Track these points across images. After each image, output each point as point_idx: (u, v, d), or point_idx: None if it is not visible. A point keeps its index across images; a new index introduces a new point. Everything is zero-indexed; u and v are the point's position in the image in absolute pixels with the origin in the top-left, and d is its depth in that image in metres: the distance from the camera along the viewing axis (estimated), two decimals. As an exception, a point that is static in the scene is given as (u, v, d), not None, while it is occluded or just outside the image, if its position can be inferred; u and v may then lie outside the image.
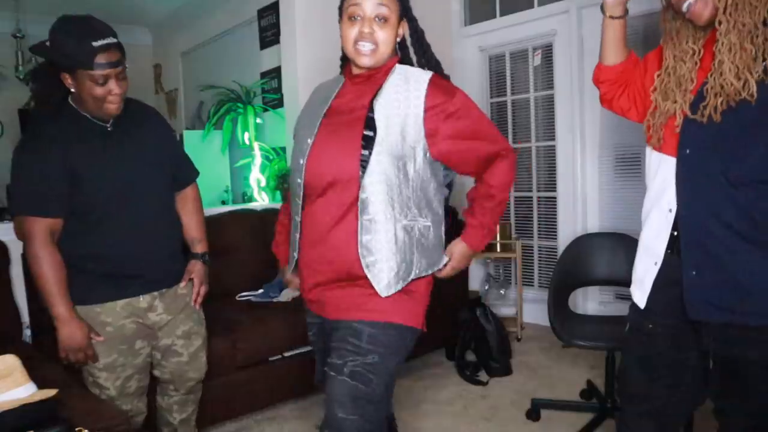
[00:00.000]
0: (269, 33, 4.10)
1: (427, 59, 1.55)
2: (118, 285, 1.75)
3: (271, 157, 4.16)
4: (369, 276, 1.41)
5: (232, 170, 4.79)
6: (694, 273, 1.30)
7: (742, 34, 1.20)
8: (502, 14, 4.03)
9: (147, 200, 1.78)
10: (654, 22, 3.15)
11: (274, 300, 2.94)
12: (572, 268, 2.69)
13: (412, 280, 1.47)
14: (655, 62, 1.44)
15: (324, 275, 1.48)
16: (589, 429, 2.42)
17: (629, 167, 3.55)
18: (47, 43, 1.59)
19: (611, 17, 1.44)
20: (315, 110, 1.54)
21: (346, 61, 1.55)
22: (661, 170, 1.36)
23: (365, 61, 1.43)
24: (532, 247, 4.07)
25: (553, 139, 3.87)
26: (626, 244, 2.57)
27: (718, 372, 1.34)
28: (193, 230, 1.98)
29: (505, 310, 3.97)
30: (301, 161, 1.48)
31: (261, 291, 3.03)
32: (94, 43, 1.54)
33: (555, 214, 3.92)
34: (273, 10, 3.94)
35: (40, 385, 1.53)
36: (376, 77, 1.48)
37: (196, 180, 2.03)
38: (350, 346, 1.43)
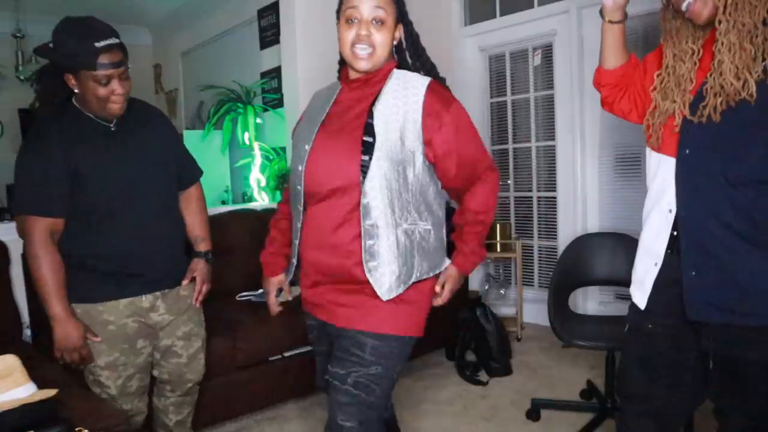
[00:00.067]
0: (269, 33, 4.10)
1: (422, 63, 1.55)
2: (121, 284, 1.76)
3: (271, 157, 4.16)
4: (371, 280, 1.42)
5: (232, 170, 4.79)
6: (693, 273, 1.30)
7: (742, 34, 1.19)
8: (502, 14, 4.03)
9: (150, 200, 1.79)
10: (654, 22, 3.15)
11: (274, 300, 2.94)
12: (572, 268, 2.69)
13: (413, 283, 1.48)
14: (654, 63, 1.44)
15: (325, 277, 1.48)
16: (589, 429, 2.42)
17: (629, 167, 3.55)
18: (50, 45, 1.60)
19: (610, 22, 1.44)
20: (313, 117, 1.54)
21: (343, 65, 1.55)
22: (661, 171, 1.36)
23: (362, 65, 1.43)
24: (532, 247, 4.07)
25: (553, 139, 3.87)
26: (626, 244, 2.57)
27: (717, 372, 1.34)
28: (196, 229, 1.99)
29: (505, 310, 3.97)
30: (300, 168, 1.48)
31: (261, 291, 3.02)
32: (97, 44, 1.55)
33: (555, 214, 3.92)
34: (273, 10, 3.94)
35: (40, 385, 1.54)
36: (373, 81, 1.48)
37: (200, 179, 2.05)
38: (354, 357, 1.44)
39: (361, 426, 1.44)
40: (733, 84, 1.20)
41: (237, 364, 2.54)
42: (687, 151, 1.30)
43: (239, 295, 3.01)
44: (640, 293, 1.44)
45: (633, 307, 1.47)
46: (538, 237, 4.05)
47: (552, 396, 2.78)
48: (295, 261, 1.58)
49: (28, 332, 2.52)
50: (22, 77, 5.85)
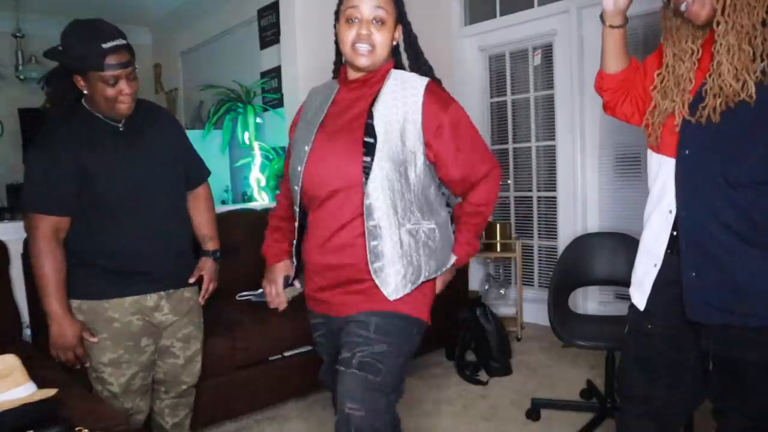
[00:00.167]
0: (269, 33, 4.09)
1: (419, 65, 1.55)
2: (127, 282, 1.78)
3: (271, 157, 4.16)
4: (377, 281, 1.43)
5: (232, 170, 4.79)
6: (693, 274, 1.30)
7: (741, 35, 1.19)
8: (502, 14, 4.03)
9: (158, 199, 1.82)
10: (653, 22, 3.16)
11: (274, 300, 2.94)
12: (572, 268, 2.69)
13: (422, 282, 1.48)
14: (654, 64, 1.44)
15: (331, 280, 1.49)
16: (589, 429, 2.42)
17: (629, 167, 3.55)
18: (59, 47, 1.63)
19: (611, 26, 1.44)
20: (311, 118, 1.54)
21: (339, 65, 1.56)
22: (662, 173, 1.36)
23: (363, 61, 1.43)
24: (532, 246, 4.07)
25: (553, 139, 3.87)
26: (626, 244, 2.57)
27: (717, 373, 1.34)
28: (204, 228, 2.02)
29: (505, 310, 3.97)
30: (299, 168, 1.48)
31: (261, 291, 3.02)
32: (104, 45, 1.58)
33: (555, 214, 3.92)
34: (273, 10, 3.94)
35: (40, 385, 1.54)
36: (371, 82, 1.48)
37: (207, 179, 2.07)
38: (358, 338, 1.43)
39: (370, 414, 1.39)
40: (732, 85, 1.20)
41: (237, 363, 2.54)
42: (687, 152, 1.30)
43: (239, 295, 2.99)
44: (640, 294, 1.44)
45: (632, 307, 1.47)
46: (538, 237, 4.05)
47: (552, 396, 2.79)
48: (295, 261, 1.59)
49: (28, 332, 2.52)
50: (22, 77, 5.85)
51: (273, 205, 1.84)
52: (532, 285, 4.08)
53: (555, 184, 3.89)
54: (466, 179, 1.51)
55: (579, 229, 3.68)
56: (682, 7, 1.26)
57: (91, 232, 1.74)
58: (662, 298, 1.38)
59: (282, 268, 1.66)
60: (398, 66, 1.54)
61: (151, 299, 1.83)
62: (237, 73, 4.71)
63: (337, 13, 1.48)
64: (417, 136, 1.43)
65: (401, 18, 1.49)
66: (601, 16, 1.45)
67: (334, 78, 1.59)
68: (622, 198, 3.60)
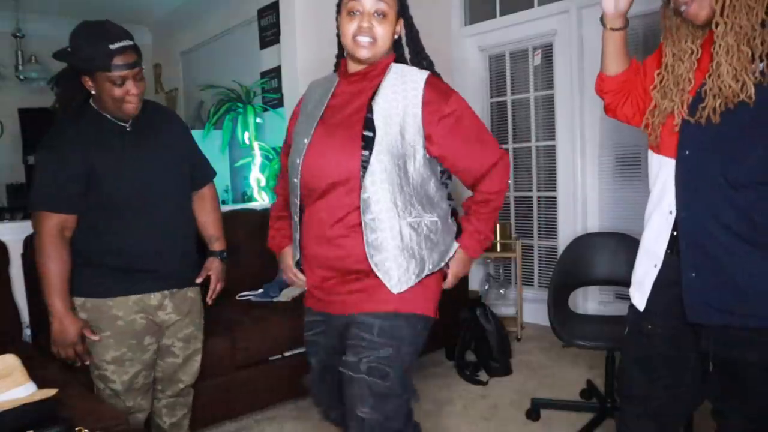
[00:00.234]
0: (269, 33, 4.09)
1: (419, 59, 1.55)
2: (131, 281, 1.79)
3: (271, 157, 4.15)
4: (379, 275, 1.43)
5: (232, 170, 4.79)
6: (693, 275, 1.29)
7: (740, 36, 1.19)
8: (502, 14, 4.03)
9: (164, 199, 1.84)
10: (653, 22, 3.16)
11: (274, 300, 2.94)
12: (572, 268, 2.69)
13: (426, 275, 1.48)
14: (654, 65, 1.44)
15: (331, 271, 1.48)
16: (589, 429, 2.42)
17: (629, 167, 3.55)
18: (68, 49, 1.66)
19: (612, 29, 1.44)
20: (311, 110, 1.54)
21: (340, 58, 1.56)
22: (662, 173, 1.36)
23: (364, 53, 1.44)
24: (532, 246, 4.07)
25: (553, 139, 3.87)
26: (626, 244, 2.57)
27: (717, 374, 1.34)
28: (210, 228, 2.04)
29: (505, 310, 3.97)
30: (298, 161, 1.49)
31: (261, 291, 3.03)
32: (111, 46, 1.62)
33: (555, 214, 3.92)
34: (273, 10, 3.94)
35: (40, 385, 1.54)
36: (371, 75, 1.48)
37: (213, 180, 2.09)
38: (363, 342, 1.43)
39: (384, 416, 1.42)
40: (731, 86, 1.20)
41: (236, 363, 2.54)
42: (687, 152, 1.30)
43: (239, 295, 3.01)
44: (640, 294, 1.44)
45: (632, 308, 1.47)
46: (538, 237, 4.05)
47: (552, 396, 2.78)
48: (297, 254, 1.58)
49: (28, 332, 2.52)
50: (21, 77, 5.85)
51: (270, 208, 1.84)
52: (532, 285, 4.08)
53: (555, 184, 3.89)
54: (475, 169, 1.50)
55: (579, 229, 3.68)
56: (681, 8, 1.26)
57: (97, 232, 1.76)
58: (662, 298, 1.38)
59: (291, 252, 1.65)
60: (400, 60, 1.54)
61: (155, 298, 1.84)
62: (237, 73, 4.71)
63: (338, 6, 1.48)
64: (417, 130, 1.43)
65: (403, 12, 1.49)
66: (602, 20, 1.45)
67: (335, 71, 1.59)
68: (622, 198, 3.60)
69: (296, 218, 1.54)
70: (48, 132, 1.75)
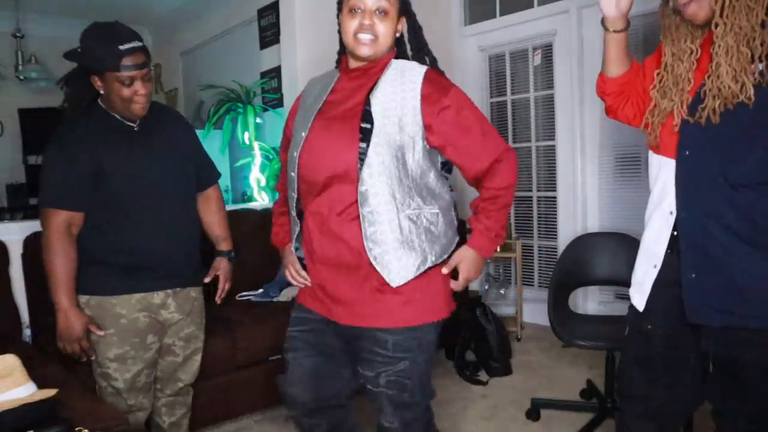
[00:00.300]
0: (269, 33, 4.09)
1: (421, 57, 1.55)
2: (135, 279, 1.81)
3: (271, 157, 4.15)
4: (378, 268, 1.42)
5: (232, 170, 4.79)
6: (693, 275, 1.29)
7: (739, 36, 1.19)
8: (502, 14, 4.03)
9: (170, 199, 1.85)
10: (653, 22, 3.15)
11: (274, 300, 2.95)
12: (572, 268, 2.69)
13: (429, 268, 1.46)
14: (653, 65, 1.44)
15: (332, 266, 1.48)
16: (589, 429, 2.42)
17: (629, 167, 3.55)
18: (78, 49, 1.69)
19: (614, 31, 1.43)
20: (310, 105, 1.54)
21: (341, 55, 1.56)
22: (662, 174, 1.36)
23: (365, 50, 1.44)
24: (532, 246, 4.07)
25: (553, 139, 3.87)
26: (626, 244, 2.57)
27: (717, 375, 1.34)
28: (216, 229, 2.07)
29: (505, 310, 3.97)
30: (295, 154, 1.49)
31: (261, 291, 3.03)
32: (121, 47, 1.64)
33: (555, 214, 3.92)
34: (273, 9, 3.94)
35: (40, 385, 1.53)
36: (372, 71, 1.48)
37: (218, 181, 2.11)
38: (378, 357, 1.45)
39: (405, 426, 1.48)
40: (730, 87, 1.20)
41: (236, 363, 2.54)
42: (687, 153, 1.30)
43: (239, 295, 3.01)
44: (640, 295, 1.43)
45: (632, 308, 1.47)
46: (538, 237, 4.05)
47: (552, 396, 2.78)
48: (294, 245, 1.58)
49: (28, 332, 2.52)
50: (21, 77, 5.85)
51: (273, 205, 1.84)
52: (532, 285, 4.08)
53: (555, 184, 3.89)
54: (478, 160, 1.48)
55: (579, 229, 3.68)
56: (681, 8, 1.26)
57: (103, 231, 1.78)
58: (662, 298, 1.38)
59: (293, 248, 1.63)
60: (402, 57, 1.53)
61: (158, 297, 1.86)
62: (237, 73, 4.71)
63: (339, 4, 1.48)
64: (416, 121, 1.42)
65: (405, 9, 1.49)
66: (603, 22, 1.44)
67: (336, 67, 1.59)
68: (622, 198, 3.60)
69: (293, 213, 1.54)
70: (57, 130, 1.77)
